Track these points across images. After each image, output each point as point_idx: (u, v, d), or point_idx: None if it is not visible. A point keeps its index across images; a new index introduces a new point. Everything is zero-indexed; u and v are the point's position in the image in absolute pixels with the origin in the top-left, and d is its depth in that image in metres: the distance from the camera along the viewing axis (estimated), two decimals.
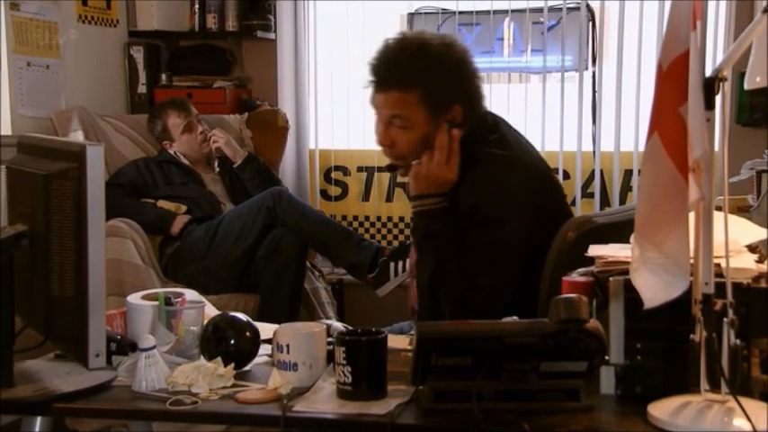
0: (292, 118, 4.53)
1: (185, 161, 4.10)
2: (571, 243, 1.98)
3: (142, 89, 4.58)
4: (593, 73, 4.32)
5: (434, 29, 4.36)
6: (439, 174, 2.12)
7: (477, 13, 4.44)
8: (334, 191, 4.75)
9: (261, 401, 1.58)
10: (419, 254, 2.17)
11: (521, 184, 2.13)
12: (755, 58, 1.55)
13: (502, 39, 4.45)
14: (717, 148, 1.46)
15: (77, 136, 3.95)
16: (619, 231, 1.76)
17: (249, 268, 3.74)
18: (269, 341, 1.76)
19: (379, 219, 4.69)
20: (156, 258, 3.77)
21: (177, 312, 1.82)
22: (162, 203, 3.93)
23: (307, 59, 4.59)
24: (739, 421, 1.35)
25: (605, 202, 4.36)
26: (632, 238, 1.47)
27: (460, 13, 4.46)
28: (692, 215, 1.40)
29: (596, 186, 4.35)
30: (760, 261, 1.59)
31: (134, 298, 1.90)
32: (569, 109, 4.33)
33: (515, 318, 1.64)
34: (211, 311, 1.94)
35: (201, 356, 1.76)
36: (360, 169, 4.71)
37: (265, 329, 1.82)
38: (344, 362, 1.55)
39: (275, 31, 4.57)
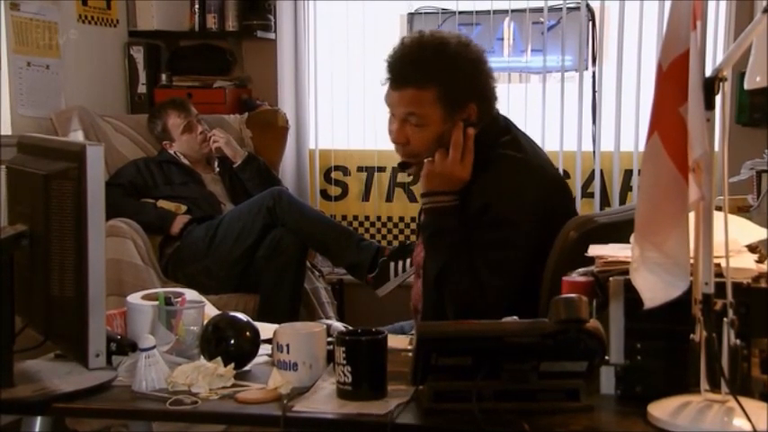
0: (292, 118, 4.53)
1: (185, 161, 4.10)
2: (572, 243, 1.98)
3: (142, 89, 4.59)
4: (593, 73, 4.32)
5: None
6: (453, 171, 2.13)
7: (477, 12, 4.44)
8: (334, 191, 4.75)
9: (261, 401, 1.58)
10: (428, 251, 2.17)
11: (533, 187, 2.14)
12: (755, 58, 1.55)
13: (502, 39, 4.45)
14: (717, 148, 1.46)
15: (77, 136, 3.95)
16: (620, 231, 1.76)
17: (249, 268, 3.74)
18: (269, 341, 1.76)
19: (379, 219, 4.69)
20: (156, 258, 3.77)
21: (177, 312, 1.82)
22: (162, 203, 3.93)
23: (307, 59, 4.59)
24: (739, 421, 1.35)
25: (605, 202, 4.36)
26: (632, 238, 1.47)
27: (460, 12, 4.46)
28: (691, 215, 1.40)
29: (596, 186, 4.35)
30: (760, 261, 1.59)
31: (134, 298, 1.90)
32: (569, 109, 4.33)
33: (515, 318, 1.64)
34: (211, 311, 1.94)
35: (201, 356, 1.76)
36: (360, 169, 4.71)
37: (265, 329, 1.82)
38: (344, 362, 1.55)
39: (275, 31, 4.57)
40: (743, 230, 1.72)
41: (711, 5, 4.01)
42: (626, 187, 4.35)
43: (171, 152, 4.10)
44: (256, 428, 1.88)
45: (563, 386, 1.52)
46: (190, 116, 4.12)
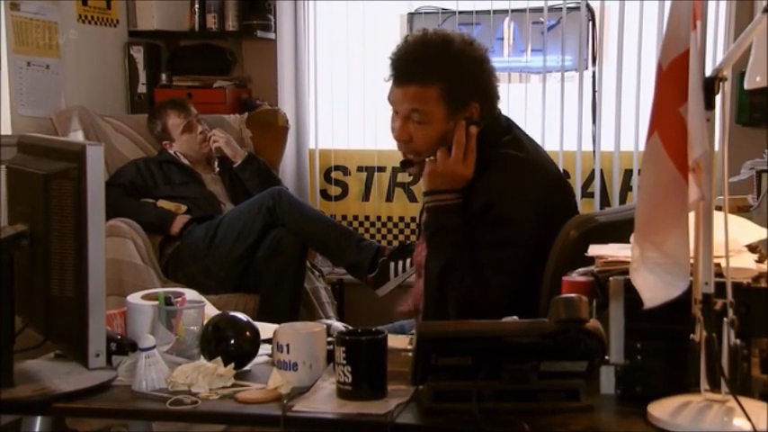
0: (292, 118, 4.53)
1: (185, 161, 4.10)
2: (573, 242, 1.98)
3: (142, 89, 4.59)
4: (593, 73, 4.32)
5: None
6: (456, 170, 2.13)
7: (477, 12, 4.44)
8: (334, 191, 4.75)
9: (261, 401, 1.58)
10: (430, 249, 2.17)
11: (536, 186, 2.14)
12: (755, 58, 1.55)
13: (502, 38, 4.45)
14: (717, 147, 1.46)
15: (77, 136, 3.95)
16: (620, 230, 1.76)
17: (249, 268, 3.74)
18: (269, 341, 1.76)
19: (379, 218, 4.69)
20: (156, 258, 3.77)
21: (177, 312, 1.82)
22: (162, 203, 3.93)
23: (307, 59, 4.59)
24: (739, 421, 1.35)
25: (605, 201, 4.36)
26: (632, 238, 1.47)
27: (460, 12, 4.46)
28: (691, 215, 1.40)
29: (596, 186, 4.35)
30: (760, 261, 1.59)
31: (134, 298, 1.90)
32: (569, 109, 4.33)
33: (515, 318, 1.64)
34: (211, 311, 1.94)
35: (201, 356, 1.76)
36: (360, 169, 4.71)
37: (265, 329, 1.82)
38: (344, 362, 1.55)
39: (275, 31, 4.57)
40: (743, 230, 1.72)
41: (711, 5, 4.01)
42: (626, 187, 4.35)
43: (171, 152, 4.10)
44: (256, 428, 1.88)
45: (563, 386, 1.52)
46: (190, 116, 4.12)
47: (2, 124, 3.83)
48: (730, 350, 1.40)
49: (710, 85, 1.37)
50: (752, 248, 1.65)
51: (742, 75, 2.01)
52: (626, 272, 1.51)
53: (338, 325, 1.92)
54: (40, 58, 4.04)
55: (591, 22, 4.30)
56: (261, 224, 3.71)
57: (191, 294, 1.96)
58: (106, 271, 1.57)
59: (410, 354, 1.54)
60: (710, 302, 1.39)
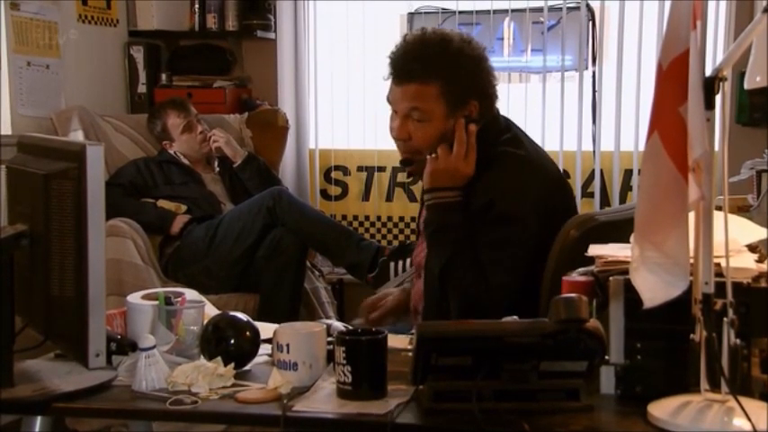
0: (292, 118, 4.53)
1: (185, 161, 4.10)
2: (573, 241, 1.98)
3: (142, 89, 4.59)
4: (593, 73, 4.32)
5: None
6: (458, 167, 2.13)
7: (477, 12, 4.44)
8: (334, 190, 4.75)
9: (261, 401, 1.58)
10: (431, 247, 2.17)
11: (537, 185, 2.15)
12: (755, 58, 1.55)
13: (502, 38, 4.46)
14: (717, 147, 1.46)
15: (77, 136, 3.95)
16: (621, 230, 1.76)
17: (249, 268, 3.75)
18: (269, 341, 1.76)
19: (379, 218, 4.69)
20: (156, 258, 3.77)
21: (177, 312, 1.82)
22: (162, 203, 3.94)
23: (307, 59, 4.59)
24: (739, 421, 1.35)
25: (605, 201, 4.36)
26: (632, 238, 1.47)
27: (460, 12, 4.46)
28: (691, 215, 1.40)
29: (596, 186, 4.35)
30: (760, 261, 1.59)
31: (134, 298, 1.90)
32: (569, 109, 4.33)
33: (515, 317, 1.64)
34: (211, 311, 1.94)
35: (201, 356, 1.76)
36: (360, 169, 4.71)
37: (265, 329, 1.81)
38: (344, 361, 1.55)
39: (275, 31, 4.57)
40: (743, 230, 1.72)
41: (711, 5, 4.01)
42: (626, 187, 4.35)
43: (171, 152, 4.11)
44: (256, 428, 1.88)
45: (563, 386, 1.52)
46: (189, 116, 4.12)
47: (2, 124, 3.83)
48: (730, 350, 1.40)
49: (710, 85, 1.37)
50: (752, 248, 1.65)
51: (742, 75, 2.01)
52: (626, 272, 1.51)
53: (338, 325, 1.91)
54: (40, 57, 4.04)
55: (591, 22, 4.31)
56: (261, 224, 3.72)
57: (191, 294, 1.96)
58: (106, 271, 1.57)
59: (410, 354, 1.54)
60: (710, 302, 1.39)
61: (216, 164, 4.20)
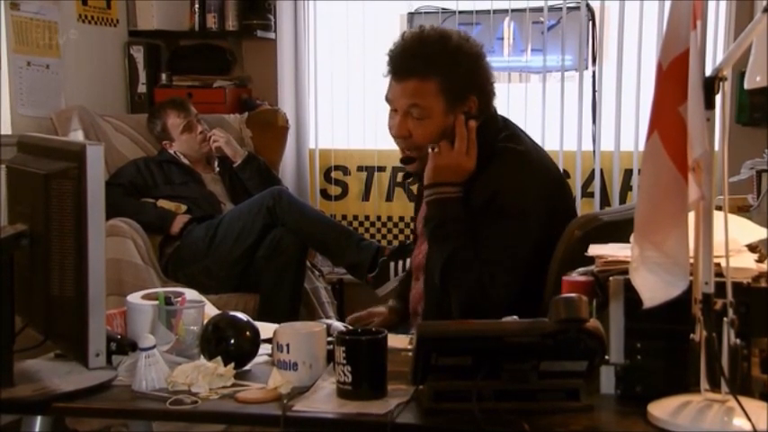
0: (292, 118, 4.53)
1: (185, 161, 4.10)
2: (577, 241, 1.98)
3: (142, 89, 4.59)
4: (593, 72, 4.32)
5: None
6: (460, 162, 2.13)
7: (477, 12, 4.44)
8: (334, 190, 4.75)
9: (261, 401, 1.58)
10: (432, 243, 2.16)
11: (538, 180, 2.15)
12: (755, 58, 1.55)
13: (502, 38, 4.46)
14: (717, 147, 1.46)
15: (77, 135, 3.95)
16: (624, 229, 1.75)
17: (249, 268, 3.74)
18: (269, 341, 1.76)
19: (379, 218, 4.69)
20: (156, 258, 3.77)
21: (177, 312, 1.82)
22: (162, 203, 3.93)
23: (307, 59, 4.59)
24: (739, 421, 1.35)
25: (605, 201, 4.36)
26: (632, 238, 1.47)
27: (460, 12, 4.46)
28: (691, 215, 1.40)
29: (596, 186, 4.35)
30: (760, 260, 1.59)
31: (134, 297, 1.90)
32: (569, 108, 4.33)
33: (515, 317, 1.64)
34: (211, 311, 1.94)
35: (201, 356, 1.76)
36: (360, 169, 4.71)
37: (265, 329, 1.82)
38: (344, 361, 1.55)
39: (275, 31, 4.57)
40: (743, 230, 1.72)
41: (711, 5, 4.01)
42: (626, 187, 4.35)
43: (171, 152, 4.11)
44: (256, 428, 1.88)
45: (563, 386, 1.52)
46: (189, 116, 4.12)
47: (2, 124, 3.83)
48: (730, 350, 1.40)
49: (710, 85, 1.37)
50: (752, 248, 1.65)
51: (742, 74, 2.01)
52: (626, 271, 1.51)
53: (338, 325, 1.92)
54: (40, 57, 4.04)
55: (591, 22, 4.31)
56: (261, 224, 3.71)
57: (191, 294, 1.96)
58: (106, 271, 1.57)
59: (410, 353, 1.54)
60: (710, 302, 1.39)
61: (216, 164, 4.20)
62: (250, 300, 3.72)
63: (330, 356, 1.66)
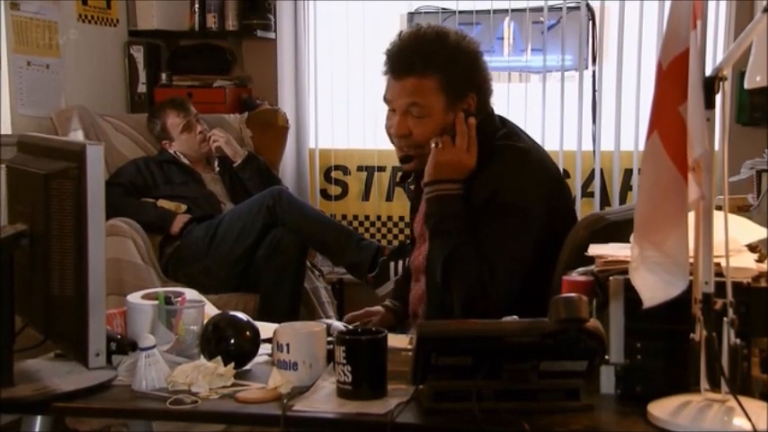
0: (292, 117, 4.53)
1: (185, 161, 4.10)
2: (583, 241, 1.97)
3: (142, 88, 4.59)
4: (594, 72, 4.32)
5: None
6: (462, 159, 2.13)
7: (477, 12, 4.44)
8: (334, 190, 4.75)
9: (261, 401, 1.58)
10: (433, 240, 2.15)
11: (539, 177, 2.15)
12: (755, 58, 1.55)
13: (502, 38, 4.46)
14: (717, 147, 1.46)
15: (77, 135, 3.95)
16: (630, 229, 1.75)
17: (249, 268, 3.74)
18: (269, 340, 1.76)
19: (379, 218, 4.69)
20: (156, 258, 3.77)
21: (177, 312, 1.82)
22: (162, 203, 3.94)
23: (307, 59, 4.59)
24: (739, 421, 1.35)
25: (605, 201, 4.36)
26: (632, 238, 1.47)
27: (460, 12, 4.46)
28: (691, 214, 1.40)
29: (596, 186, 4.35)
30: (760, 260, 1.59)
31: (134, 297, 1.90)
32: (569, 108, 4.33)
33: (515, 317, 1.64)
34: (211, 311, 1.94)
35: (201, 356, 1.76)
36: (360, 168, 4.71)
37: (265, 329, 1.82)
38: (344, 361, 1.55)
39: (275, 31, 4.57)
40: (743, 230, 1.72)
41: (711, 5, 4.01)
42: (626, 186, 4.35)
43: (171, 152, 4.11)
44: (256, 428, 1.88)
45: (563, 386, 1.52)
46: (189, 116, 4.12)
47: (2, 124, 3.83)
48: (730, 350, 1.40)
49: (710, 85, 1.37)
50: (752, 248, 1.65)
51: (742, 74, 2.01)
52: (626, 271, 1.51)
53: (338, 324, 1.92)
54: (40, 57, 4.04)
55: (591, 22, 4.31)
56: (261, 224, 3.72)
57: (191, 294, 1.96)
58: (106, 270, 1.57)
59: (410, 353, 1.54)
60: (710, 302, 1.39)
61: (216, 163, 4.20)
62: (250, 299, 3.72)
63: (330, 356, 1.66)
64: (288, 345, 1.66)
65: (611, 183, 4.35)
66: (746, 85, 1.62)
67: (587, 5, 4.30)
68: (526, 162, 2.15)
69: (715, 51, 4.02)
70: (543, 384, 1.51)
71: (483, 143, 2.15)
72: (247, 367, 1.76)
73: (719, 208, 1.43)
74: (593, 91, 4.32)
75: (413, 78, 2.14)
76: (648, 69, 4.11)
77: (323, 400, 1.56)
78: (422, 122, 2.15)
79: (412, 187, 2.41)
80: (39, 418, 1.77)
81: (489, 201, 2.10)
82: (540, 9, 4.36)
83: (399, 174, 2.42)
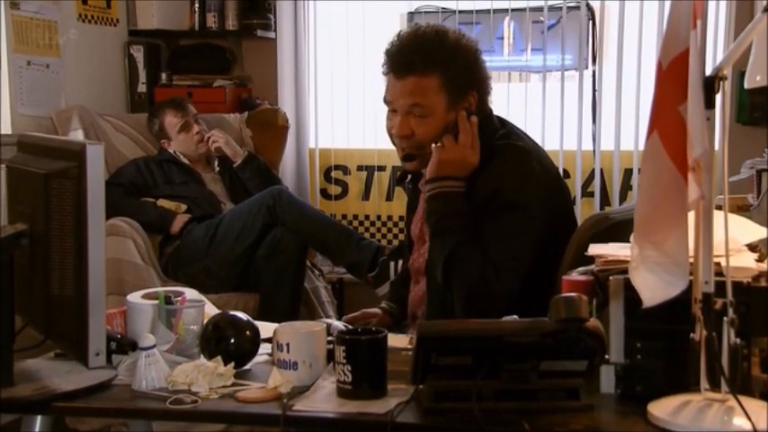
0: (292, 117, 4.53)
1: (185, 160, 4.10)
2: (587, 241, 1.96)
3: (142, 88, 4.59)
4: (593, 72, 4.32)
5: None
6: (465, 156, 2.12)
7: (477, 12, 4.44)
8: (334, 190, 4.75)
9: (261, 400, 1.58)
10: (434, 237, 2.14)
11: (538, 179, 2.14)
12: (755, 57, 1.55)
13: (502, 38, 4.46)
14: (717, 146, 1.46)
15: (77, 135, 3.95)
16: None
17: (249, 267, 3.74)
18: (269, 340, 1.76)
19: (379, 218, 4.69)
20: (156, 257, 3.77)
21: (177, 311, 1.82)
22: (162, 202, 3.94)
23: (307, 59, 4.59)
24: (739, 420, 1.35)
25: (605, 201, 4.36)
26: (632, 238, 1.47)
27: (460, 12, 4.46)
28: (691, 214, 1.40)
29: (596, 185, 4.35)
30: (760, 260, 1.59)
31: (134, 297, 1.90)
32: (569, 108, 4.33)
33: (515, 317, 1.64)
34: (211, 310, 1.94)
35: (201, 355, 1.76)
36: (360, 168, 4.71)
37: (265, 328, 1.82)
38: (344, 361, 1.55)
39: (275, 31, 4.57)
40: (743, 229, 1.72)
41: (711, 4, 4.01)
42: (626, 186, 4.35)
43: (170, 151, 4.11)
44: (256, 428, 1.88)
45: (563, 385, 1.52)
46: (187, 116, 4.11)
47: (2, 123, 3.83)
48: (730, 349, 1.40)
49: (710, 84, 1.37)
50: (752, 247, 1.65)
51: (742, 74, 2.01)
52: (626, 271, 1.51)
53: (338, 324, 1.92)
54: (40, 57, 4.04)
55: (591, 22, 4.31)
56: (261, 223, 3.72)
57: (191, 293, 1.96)
58: (106, 270, 1.57)
59: (410, 353, 1.54)
60: (710, 302, 1.39)
61: (216, 163, 4.20)
62: (250, 299, 3.72)
63: (330, 356, 1.66)
64: (288, 344, 1.66)
65: (611, 182, 4.35)
66: (746, 85, 1.62)
67: (587, 5, 4.30)
68: (526, 161, 2.15)
69: (715, 51, 4.02)
70: (543, 384, 1.51)
71: (483, 143, 2.15)
72: (247, 367, 1.76)
73: (719, 208, 1.43)
74: (593, 91, 4.32)
75: (414, 77, 2.13)
76: (648, 69, 4.11)
77: (323, 400, 1.56)
78: (424, 122, 2.15)
79: (410, 186, 2.40)
80: (39, 418, 1.77)
81: (491, 199, 2.09)
82: (540, 9, 4.36)
83: (399, 172, 2.42)
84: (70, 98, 4.17)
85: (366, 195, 4.71)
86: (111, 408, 1.64)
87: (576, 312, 1.44)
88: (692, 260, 1.40)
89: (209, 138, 4.10)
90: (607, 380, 1.56)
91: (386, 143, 2.28)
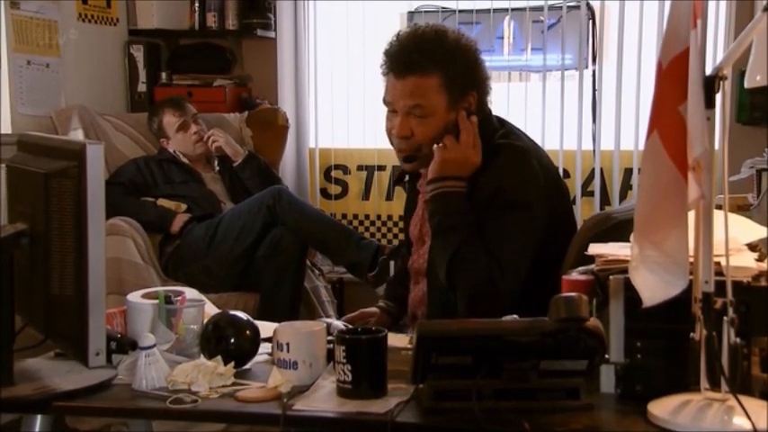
0: (292, 117, 4.53)
1: (185, 160, 4.10)
2: (590, 240, 1.96)
3: (142, 88, 4.59)
4: (594, 71, 4.32)
5: None
6: (468, 156, 2.12)
7: (477, 11, 4.44)
8: (334, 189, 4.75)
9: (261, 400, 1.58)
10: (437, 237, 2.13)
11: (538, 178, 2.14)
12: (755, 57, 1.55)
13: (502, 37, 4.45)
14: (717, 146, 1.46)
15: (77, 134, 3.95)
16: None
17: (249, 267, 3.74)
18: (269, 340, 1.76)
19: (379, 217, 4.69)
20: (156, 257, 3.77)
21: (177, 311, 1.82)
22: (162, 202, 3.93)
23: (307, 58, 4.59)
24: (739, 420, 1.35)
25: (605, 200, 4.36)
26: (632, 237, 1.47)
27: (460, 11, 4.46)
28: (691, 214, 1.40)
29: (596, 185, 4.35)
30: (760, 260, 1.59)
31: (134, 296, 1.90)
32: (569, 107, 4.33)
33: (515, 316, 1.64)
34: (211, 310, 1.94)
35: (201, 355, 1.76)
36: (360, 168, 4.71)
37: (265, 328, 1.82)
38: (344, 360, 1.55)
39: (275, 30, 4.57)
40: (743, 229, 1.72)
41: (711, 4, 4.01)
42: (626, 186, 4.35)
43: (170, 150, 4.11)
44: (256, 427, 1.88)
45: (563, 385, 1.52)
46: (185, 115, 4.11)
47: (2, 123, 3.83)
48: (730, 349, 1.40)
49: (711, 84, 1.37)
50: (752, 247, 1.65)
51: (742, 73, 2.01)
52: (626, 271, 1.51)
53: (338, 324, 1.92)
54: (40, 56, 4.04)
55: (591, 21, 4.31)
56: (261, 223, 3.71)
57: (191, 293, 1.96)
58: (106, 270, 1.57)
59: (410, 352, 1.54)
60: (710, 301, 1.39)
61: (216, 163, 4.19)
62: (250, 299, 3.72)
63: (330, 355, 1.66)
64: (288, 344, 1.66)
65: (611, 182, 4.35)
66: (746, 85, 1.62)
67: (587, 5, 4.29)
68: (527, 161, 2.15)
69: (715, 51, 4.02)
70: (543, 383, 1.51)
71: (483, 142, 2.14)
72: (247, 366, 1.76)
73: (719, 207, 1.43)
74: (593, 90, 4.32)
75: (414, 77, 2.13)
76: (648, 69, 4.11)
77: (323, 400, 1.56)
78: (424, 122, 2.15)
79: (408, 187, 2.40)
80: (39, 418, 1.77)
81: (492, 198, 2.09)
82: (540, 8, 4.36)
83: (397, 172, 2.42)
84: (70, 98, 4.17)
85: (366, 195, 4.71)
86: (111, 407, 1.64)
87: (576, 312, 1.44)
88: (692, 260, 1.40)
89: (208, 137, 4.10)
90: (607, 379, 1.56)
91: (386, 143, 2.28)
